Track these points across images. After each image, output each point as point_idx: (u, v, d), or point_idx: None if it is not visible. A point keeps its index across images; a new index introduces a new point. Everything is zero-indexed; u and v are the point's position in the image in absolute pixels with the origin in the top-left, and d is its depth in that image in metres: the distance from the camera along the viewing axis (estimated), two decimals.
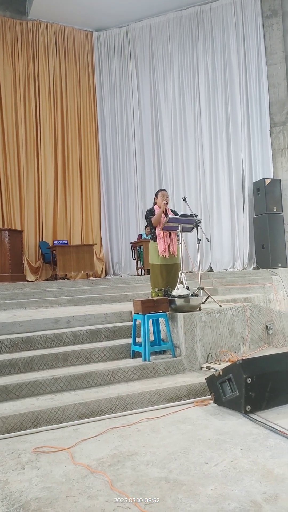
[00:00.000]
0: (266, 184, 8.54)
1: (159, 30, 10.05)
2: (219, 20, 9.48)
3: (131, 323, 4.41)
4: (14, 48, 9.61)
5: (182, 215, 4.97)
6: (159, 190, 5.18)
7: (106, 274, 10.08)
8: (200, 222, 4.98)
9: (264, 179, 8.62)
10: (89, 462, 2.45)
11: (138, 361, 3.96)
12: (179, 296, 4.30)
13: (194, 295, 4.39)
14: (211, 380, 3.41)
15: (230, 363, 3.62)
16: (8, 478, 2.32)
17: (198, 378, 3.75)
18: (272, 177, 8.84)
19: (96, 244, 9.88)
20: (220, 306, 4.66)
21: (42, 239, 9.69)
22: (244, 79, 9.25)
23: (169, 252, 4.96)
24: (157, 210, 5.03)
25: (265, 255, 8.47)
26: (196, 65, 9.70)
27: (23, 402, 3.27)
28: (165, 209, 4.99)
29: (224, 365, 3.79)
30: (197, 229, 4.92)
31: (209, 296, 4.95)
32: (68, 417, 3.13)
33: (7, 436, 2.89)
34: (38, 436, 2.89)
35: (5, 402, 3.26)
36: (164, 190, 5.21)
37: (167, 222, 4.78)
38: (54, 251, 8.90)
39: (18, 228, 9.18)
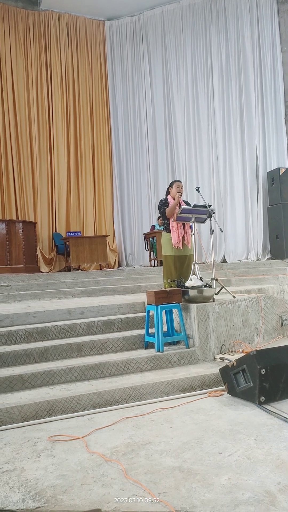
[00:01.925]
0: (280, 174, 8.41)
1: (172, 18, 9.90)
2: (233, 6, 9.30)
3: (145, 314, 4.42)
4: (26, 39, 9.59)
5: (195, 206, 4.93)
6: (174, 181, 5.14)
7: (119, 265, 10.11)
8: (214, 213, 4.93)
9: (278, 169, 8.50)
10: (103, 451, 2.48)
11: (152, 352, 3.97)
12: (193, 287, 4.28)
13: (208, 286, 4.37)
14: (224, 371, 3.40)
15: (244, 354, 3.60)
16: (24, 465, 2.36)
17: (212, 369, 3.74)
18: (287, 166, 8.70)
19: (109, 235, 9.89)
20: (234, 297, 4.63)
21: (56, 230, 9.74)
22: (258, 66, 9.08)
23: (183, 243, 4.93)
24: (170, 200, 5.00)
25: (279, 245, 8.37)
26: (210, 52, 9.55)
27: (38, 391, 3.31)
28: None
29: (238, 356, 3.78)
30: (210, 220, 4.88)
31: (222, 287, 4.92)
32: (82, 407, 3.16)
33: (23, 424, 2.93)
34: (53, 425, 2.92)
35: (20, 391, 3.31)
36: (179, 181, 5.16)
37: (180, 213, 4.75)
38: (67, 243, 8.95)
39: (32, 219, 9.25)
